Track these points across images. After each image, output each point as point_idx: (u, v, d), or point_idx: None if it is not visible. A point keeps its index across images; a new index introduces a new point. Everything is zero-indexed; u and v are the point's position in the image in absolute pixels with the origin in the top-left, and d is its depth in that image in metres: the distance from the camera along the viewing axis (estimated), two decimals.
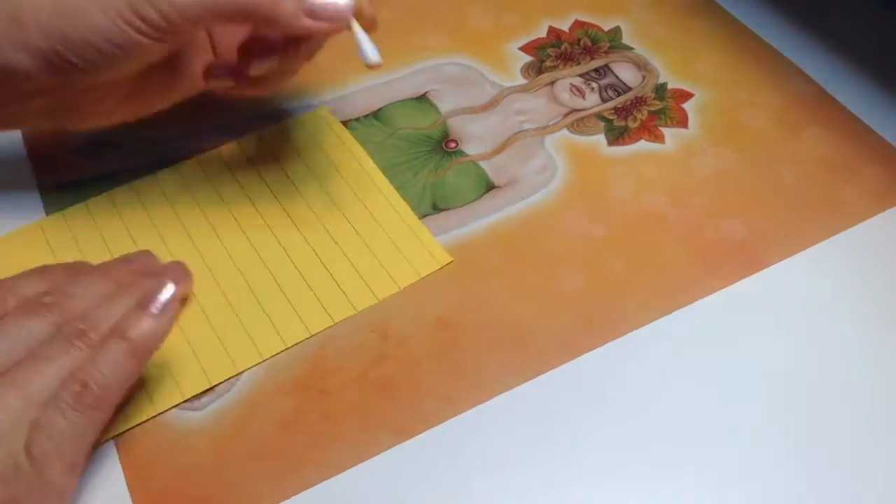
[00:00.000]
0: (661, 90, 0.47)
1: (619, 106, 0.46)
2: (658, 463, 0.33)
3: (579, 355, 0.36)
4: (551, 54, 0.49)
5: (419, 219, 0.41)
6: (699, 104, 0.46)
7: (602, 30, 0.50)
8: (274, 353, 0.36)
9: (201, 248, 0.39)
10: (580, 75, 0.48)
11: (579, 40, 0.50)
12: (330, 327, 0.37)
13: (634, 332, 0.37)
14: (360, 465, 0.33)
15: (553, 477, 0.33)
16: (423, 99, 0.46)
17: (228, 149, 0.44)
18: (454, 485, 0.33)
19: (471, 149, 0.44)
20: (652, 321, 0.37)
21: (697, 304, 0.38)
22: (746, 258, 0.39)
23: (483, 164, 0.43)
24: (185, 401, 0.35)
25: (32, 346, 0.31)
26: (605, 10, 0.51)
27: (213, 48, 0.40)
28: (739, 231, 0.40)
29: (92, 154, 0.43)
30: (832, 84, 0.47)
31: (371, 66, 0.35)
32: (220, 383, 0.35)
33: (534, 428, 0.34)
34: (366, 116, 0.45)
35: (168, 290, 0.33)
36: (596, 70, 0.48)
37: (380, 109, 0.46)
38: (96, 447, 0.33)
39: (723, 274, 0.39)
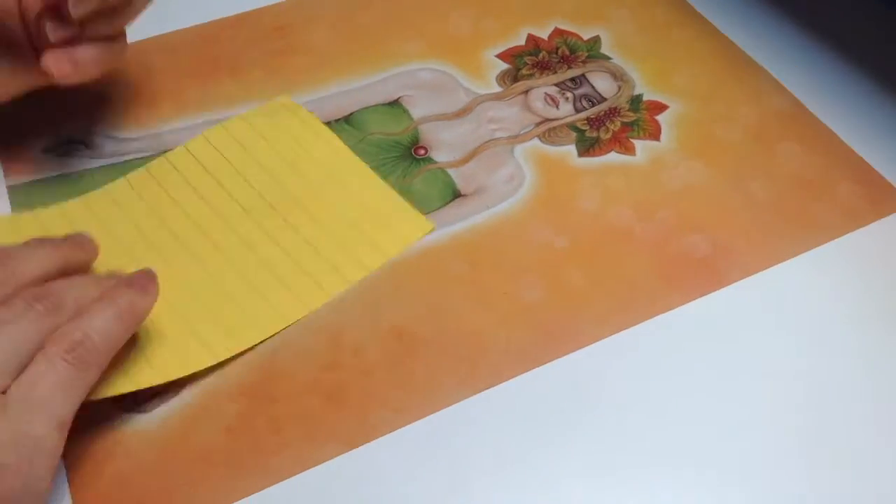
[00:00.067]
0: (635, 101, 0.46)
1: (592, 116, 0.45)
2: (625, 478, 0.33)
3: (533, 368, 0.36)
4: (528, 62, 0.48)
5: (394, 191, 0.42)
6: (674, 116, 0.46)
7: (581, 39, 0.50)
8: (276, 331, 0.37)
9: (182, 245, 0.39)
10: (555, 84, 0.47)
11: (557, 49, 0.49)
12: (326, 303, 0.38)
13: (591, 346, 0.36)
14: (305, 473, 0.33)
15: (502, 495, 0.33)
16: (395, 104, 0.46)
17: (195, 143, 0.43)
18: (404, 496, 0.32)
19: (440, 156, 0.44)
20: (610, 335, 0.37)
21: (657, 318, 0.37)
22: (709, 274, 0.39)
23: (451, 172, 0.43)
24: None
25: None
26: (586, 19, 0.51)
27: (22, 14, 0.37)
28: (703, 247, 0.40)
29: (61, 152, 0.43)
30: (811, 99, 0.47)
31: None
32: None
33: (487, 440, 0.34)
34: (337, 121, 0.45)
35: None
36: (572, 79, 0.47)
37: (351, 114, 0.45)
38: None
39: (685, 289, 0.38)
